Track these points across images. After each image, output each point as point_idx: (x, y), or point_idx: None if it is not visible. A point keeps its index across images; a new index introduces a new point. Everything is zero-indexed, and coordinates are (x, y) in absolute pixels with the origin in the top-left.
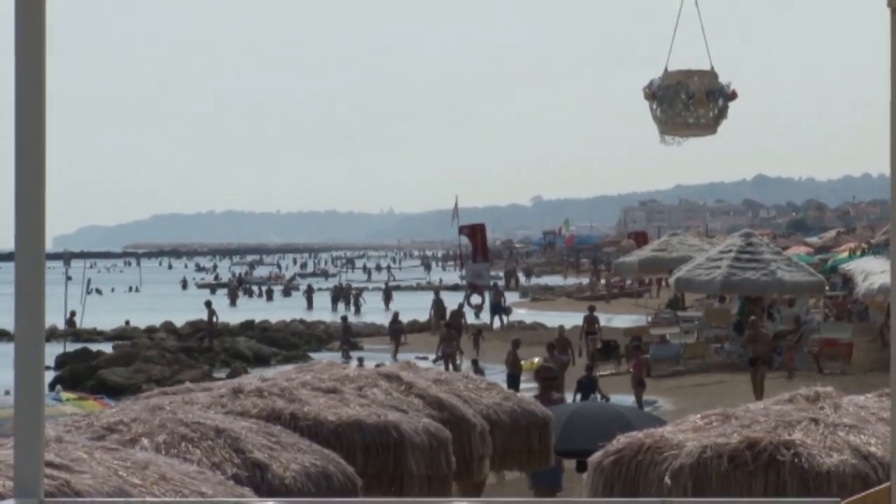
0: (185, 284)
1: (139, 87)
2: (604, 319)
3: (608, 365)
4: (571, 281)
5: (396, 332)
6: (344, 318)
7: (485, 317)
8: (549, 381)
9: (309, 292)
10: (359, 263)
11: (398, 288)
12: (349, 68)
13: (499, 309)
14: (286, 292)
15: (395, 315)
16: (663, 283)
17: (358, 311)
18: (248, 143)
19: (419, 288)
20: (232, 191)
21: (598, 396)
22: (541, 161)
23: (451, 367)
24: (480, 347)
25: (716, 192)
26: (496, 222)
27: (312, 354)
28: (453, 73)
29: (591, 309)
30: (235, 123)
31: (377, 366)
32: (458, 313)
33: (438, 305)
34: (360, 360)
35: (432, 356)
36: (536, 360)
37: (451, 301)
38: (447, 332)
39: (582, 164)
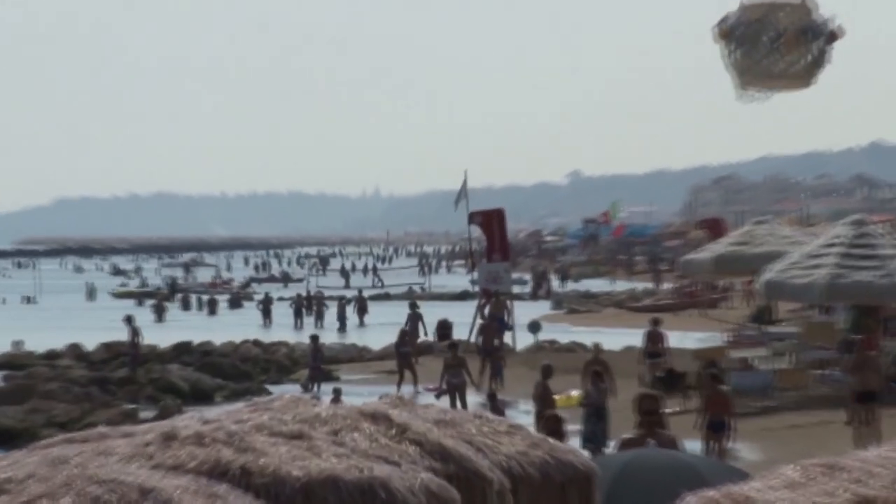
0: (92, 293)
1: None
2: (673, 338)
3: (673, 399)
4: (622, 286)
5: (405, 356)
6: (314, 339)
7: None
8: (556, 433)
9: (266, 304)
10: (335, 264)
11: (386, 297)
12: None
13: (502, 326)
14: (235, 303)
15: (403, 335)
16: (746, 289)
17: (343, 328)
18: (186, 106)
19: (420, 297)
20: (162, 168)
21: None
22: (578, 125)
23: (458, 402)
24: (502, 376)
25: (815, 166)
26: (520, 207)
27: (270, 387)
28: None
29: (656, 323)
30: (167, 83)
31: (384, 395)
32: (491, 329)
33: (414, 321)
34: (337, 394)
35: (432, 386)
36: (574, 393)
37: (459, 312)
38: (453, 356)
39: (633, 128)
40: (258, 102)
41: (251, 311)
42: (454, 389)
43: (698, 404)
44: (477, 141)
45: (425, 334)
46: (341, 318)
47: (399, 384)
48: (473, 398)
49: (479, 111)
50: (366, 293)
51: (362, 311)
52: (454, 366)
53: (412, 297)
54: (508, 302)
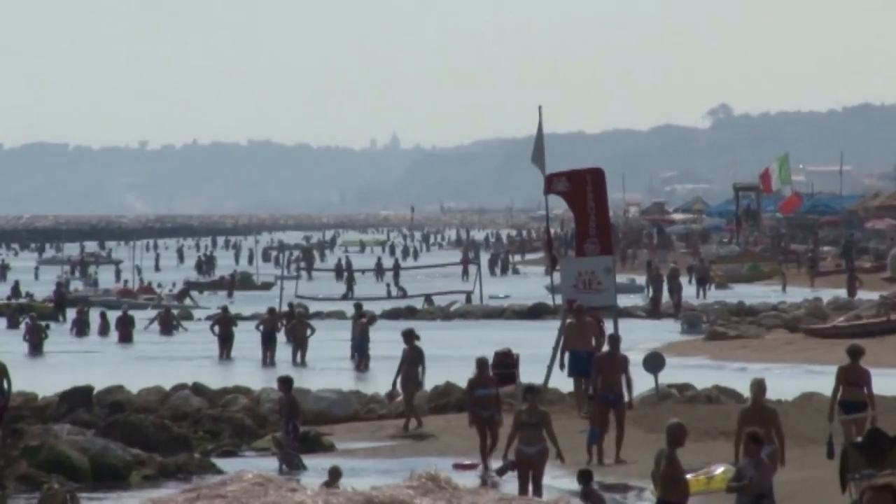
0: None
1: None
2: (882, 379)
3: (883, 476)
4: (798, 294)
5: (488, 420)
6: (285, 384)
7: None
8: None
9: (221, 323)
10: (329, 259)
11: (411, 313)
12: None
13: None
14: (165, 324)
15: (500, 356)
16: None
17: (360, 360)
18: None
19: (456, 314)
20: (41, 107)
21: None
22: (715, 46)
23: (532, 484)
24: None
25: None
26: (627, 164)
27: (221, 462)
28: None
29: (856, 354)
30: None
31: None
32: (616, 361)
33: (414, 362)
34: (333, 476)
35: (468, 462)
36: (720, 470)
37: (530, 339)
38: (529, 410)
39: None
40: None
41: (194, 335)
42: (528, 463)
43: None
44: (553, 63)
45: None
46: (358, 347)
47: (483, 456)
48: (556, 476)
49: (557, 10)
50: (375, 307)
51: (364, 336)
52: (530, 425)
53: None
54: (606, 320)
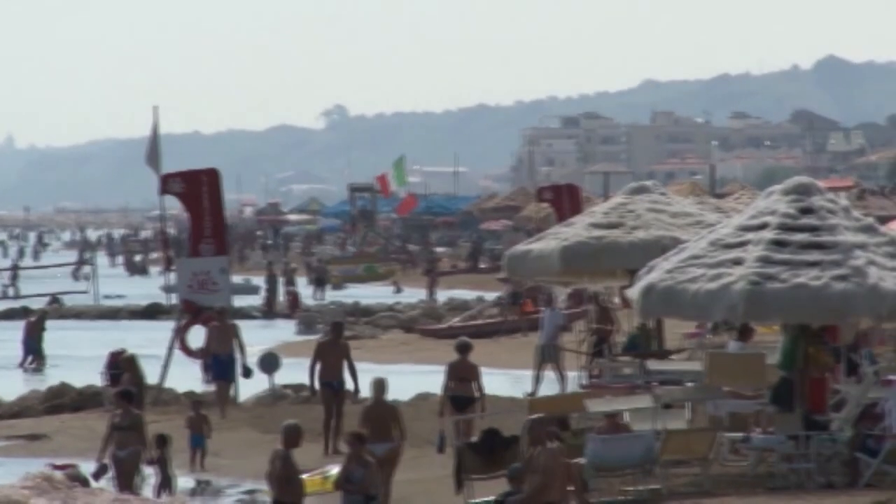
0: None
1: None
2: (497, 380)
3: (497, 477)
4: (414, 295)
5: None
6: None
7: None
8: None
9: None
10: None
11: (24, 314)
12: None
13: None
14: None
15: (114, 356)
16: (616, 300)
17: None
18: None
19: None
20: None
21: None
22: (342, 40)
23: (121, 483)
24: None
25: (729, 97)
26: (244, 165)
27: None
28: None
29: (464, 349)
30: None
31: None
32: (338, 348)
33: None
34: None
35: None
36: (335, 470)
37: (145, 339)
38: (122, 410)
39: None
40: None
41: None
42: (121, 467)
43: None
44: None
45: None
46: None
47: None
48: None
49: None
50: None
51: None
52: (122, 429)
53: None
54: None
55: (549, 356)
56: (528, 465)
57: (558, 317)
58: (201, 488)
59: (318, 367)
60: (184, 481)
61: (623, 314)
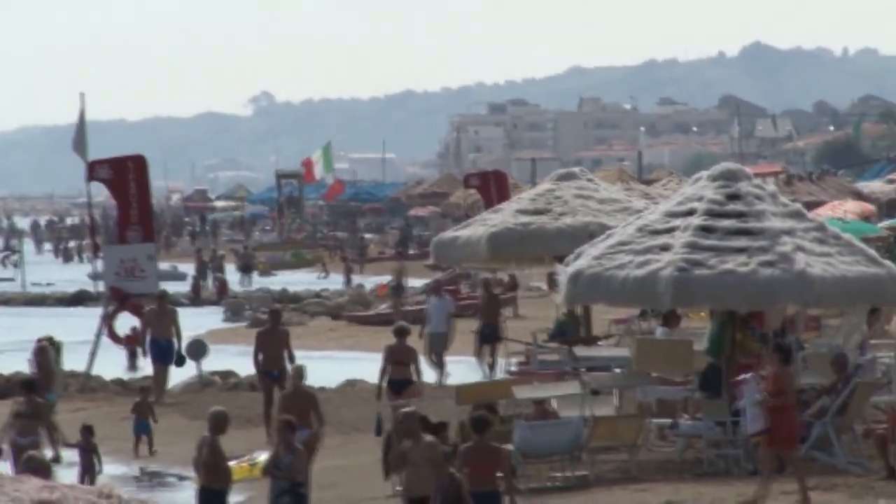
0: None
1: None
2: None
3: None
4: (340, 281)
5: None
6: None
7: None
8: None
9: None
10: None
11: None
12: None
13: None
14: None
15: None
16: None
17: None
18: None
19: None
20: None
21: None
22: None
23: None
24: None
25: (657, 83)
26: (172, 151)
27: None
28: None
29: (401, 333)
30: None
31: None
32: (277, 336)
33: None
34: None
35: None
36: (263, 456)
37: (74, 326)
38: (25, 403)
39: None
40: None
41: None
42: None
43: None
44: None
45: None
46: None
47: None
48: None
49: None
50: None
51: None
52: (26, 416)
53: None
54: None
55: (436, 345)
56: (404, 459)
57: (447, 304)
58: (148, 477)
59: (261, 356)
60: (127, 469)
61: (549, 300)
